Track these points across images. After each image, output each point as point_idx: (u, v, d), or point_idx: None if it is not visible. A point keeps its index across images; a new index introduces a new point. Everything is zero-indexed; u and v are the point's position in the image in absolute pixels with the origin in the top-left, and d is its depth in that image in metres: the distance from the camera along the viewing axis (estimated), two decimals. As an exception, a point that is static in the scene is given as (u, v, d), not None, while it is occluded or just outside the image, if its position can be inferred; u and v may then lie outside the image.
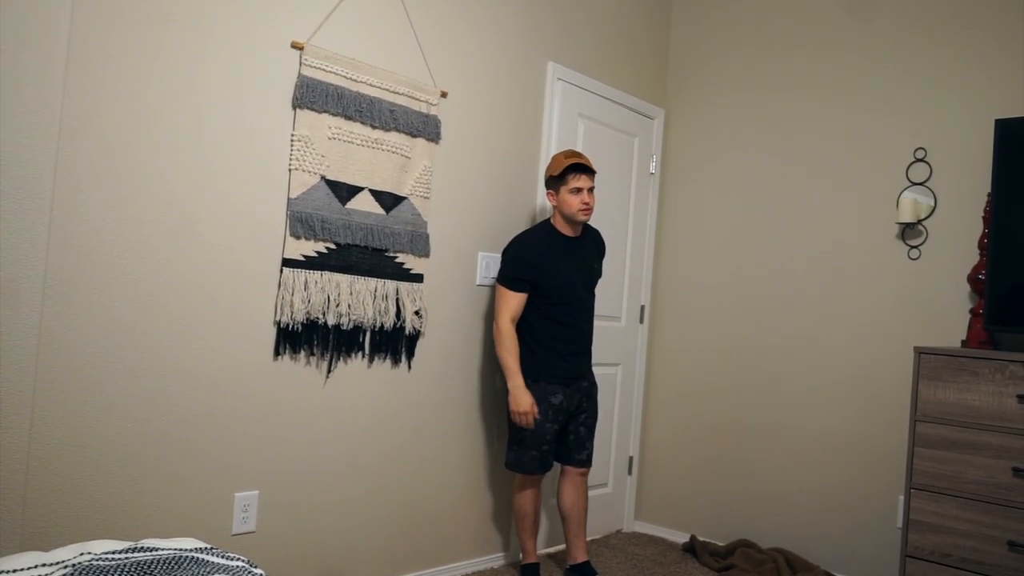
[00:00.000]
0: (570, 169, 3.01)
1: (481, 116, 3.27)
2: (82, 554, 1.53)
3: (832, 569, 3.48)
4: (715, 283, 3.98)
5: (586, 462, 3.19)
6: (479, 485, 3.34)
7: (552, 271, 3.03)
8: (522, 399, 2.97)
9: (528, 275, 3.01)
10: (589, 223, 3.22)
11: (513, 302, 3.02)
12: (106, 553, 1.53)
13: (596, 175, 3.13)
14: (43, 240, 2.04)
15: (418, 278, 3.02)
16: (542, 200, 3.52)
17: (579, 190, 3.02)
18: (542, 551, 3.56)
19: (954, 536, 2.78)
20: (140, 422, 2.31)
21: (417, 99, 2.96)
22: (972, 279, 3.10)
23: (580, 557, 3.21)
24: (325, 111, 2.68)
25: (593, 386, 3.22)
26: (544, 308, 3.06)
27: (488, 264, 3.31)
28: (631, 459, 4.12)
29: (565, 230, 3.10)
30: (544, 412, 3.03)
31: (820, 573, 3.35)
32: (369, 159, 2.82)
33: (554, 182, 3.06)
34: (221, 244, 2.47)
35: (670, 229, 4.19)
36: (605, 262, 3.56)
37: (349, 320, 2.79)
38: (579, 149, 3.67)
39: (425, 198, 3.03)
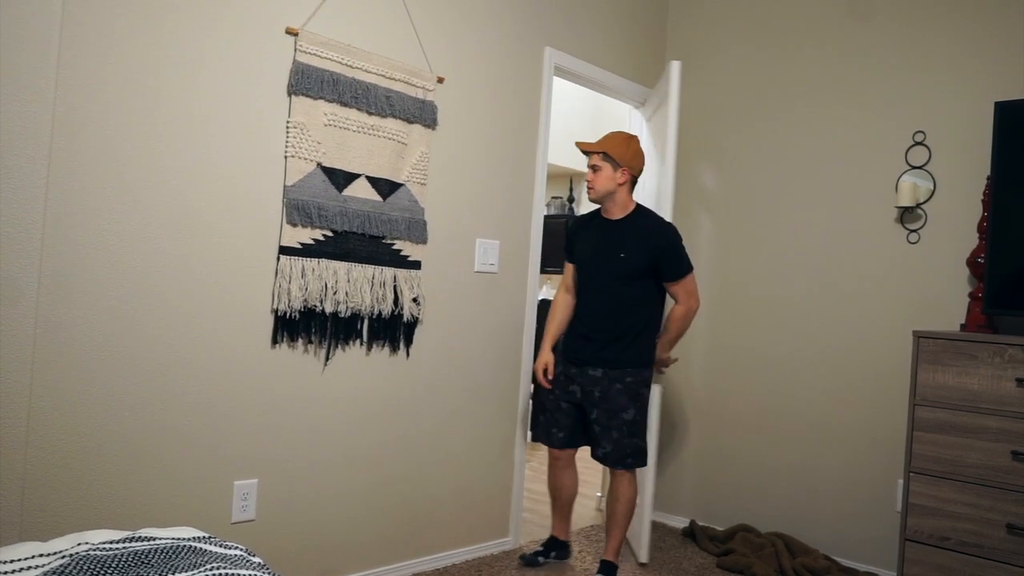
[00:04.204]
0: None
1: (478, 102, 3.25)
2: (80, 544, 1.52)
3: (831, 553, 3.49)
4: (712, 267, 3.97)
5: (605, 460, 3.02)
6: (480, 471, 3.34)
7: (578, 247, 3.17)
8: (538, 358, 3.19)
9: (567, 246, 3.25)
10: (656, 217, 3.09)
11: (566, 271, 3.25)
12: (104, 543, 1.53)
13: (603, 155, 3.03)
14: (38, 229, 2.03)
15: (416, 265, 3.00)
16: (540, 186, 3.51)
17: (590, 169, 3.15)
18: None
19: (953, 519, 2.78)
20: (138, 411, 2.30)
21: (413, 85, 2.94)
22: (971, 262, 3.09)
23: (606, 555, 3.13)
24: (321, 97, 2.65)
25: (601, 383, 3.01)
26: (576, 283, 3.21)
27: (486, 250, 3.30)
28: (630, 445, 4.11)
29: (607, 212, 3.14)
30: (555, 378, 3.14)
31: (819, 557, 3.36)
32: (365, 146, 2.80)
33: None
34: (218, 232, 2.46)
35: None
36: None
37: (347, 308, 2.78)
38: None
39: (422, 184, 3.01)
